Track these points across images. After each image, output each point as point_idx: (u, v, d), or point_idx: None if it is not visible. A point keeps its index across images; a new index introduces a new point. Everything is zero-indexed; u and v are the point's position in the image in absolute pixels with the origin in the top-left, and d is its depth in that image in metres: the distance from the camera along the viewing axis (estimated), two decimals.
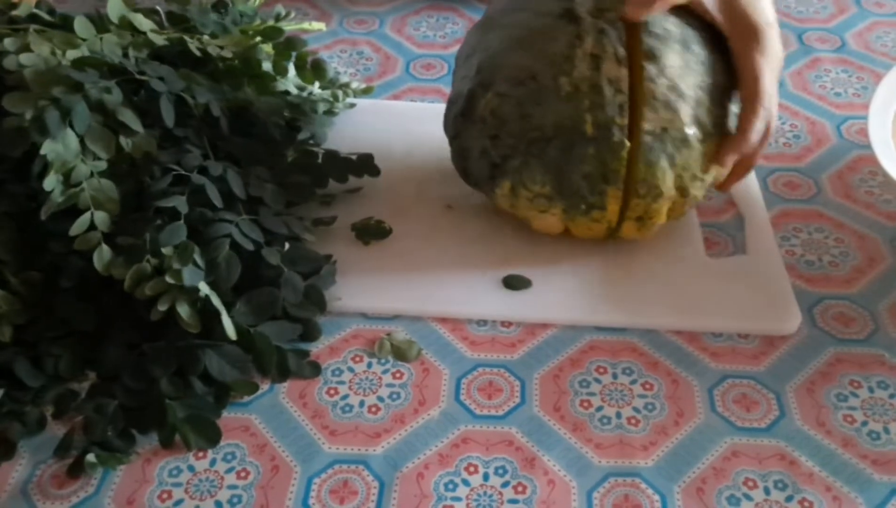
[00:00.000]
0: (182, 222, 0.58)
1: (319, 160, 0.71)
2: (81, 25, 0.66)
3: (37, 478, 0.54)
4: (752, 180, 0.75)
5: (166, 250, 0.56)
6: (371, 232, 0.69)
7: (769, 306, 0.64)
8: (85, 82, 0.59)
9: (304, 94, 0.77)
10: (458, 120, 0.65)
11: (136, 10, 0.70)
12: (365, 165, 0.72)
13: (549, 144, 0.61)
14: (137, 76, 0.63)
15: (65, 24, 0.68)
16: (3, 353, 0.57)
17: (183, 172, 0.61)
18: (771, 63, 0.62)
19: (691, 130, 0.61)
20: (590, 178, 0.61)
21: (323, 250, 0.66)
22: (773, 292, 0.65)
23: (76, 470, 0.54)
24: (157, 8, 0.74)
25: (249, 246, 0.60)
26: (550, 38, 0.61)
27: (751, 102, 0.62)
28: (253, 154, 0.67)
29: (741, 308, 0.64)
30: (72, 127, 0.57)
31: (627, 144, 0.60)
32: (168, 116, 0.63)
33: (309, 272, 0.63)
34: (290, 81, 0.76)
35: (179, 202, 0.59)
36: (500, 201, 0.65)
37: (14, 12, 0.68)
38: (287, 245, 0.63)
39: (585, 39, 0.60)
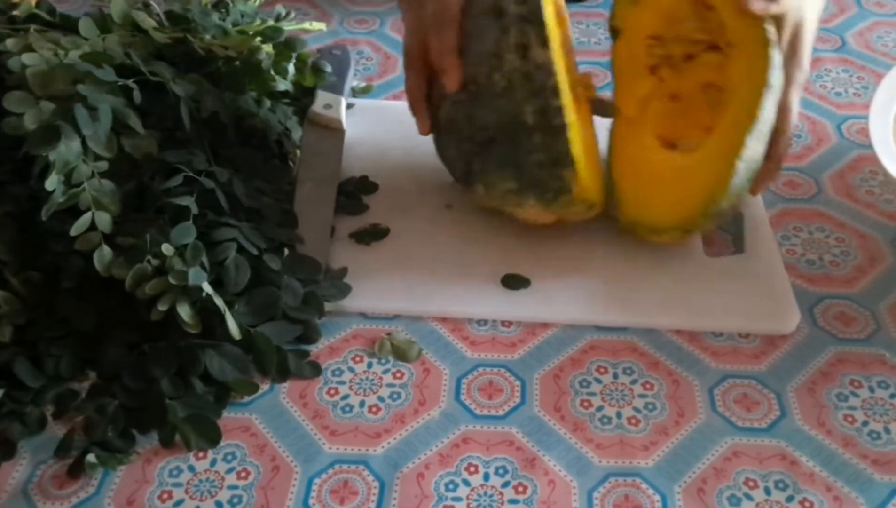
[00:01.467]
0: (191, 222, 0.58)
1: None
2: (86, 26, 0.65)
3: (37, 478, 0.54)
4: None
5: (167, 250, 0.56)
6: (369, 233, 0.69)
7: (769, 306, 0.64)
8: (106, 80, 0.59)
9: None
10: (434, 131, 0.67)
11: (135, 8, 0.69)
12: (363, 188, 0.73)
13: (496, 141, 0.61)
14: (150, 77, 0.63)
15: (65, 23, 0.68)
16: (3, 353, 0.57)
17: (191, 174, 0.61)
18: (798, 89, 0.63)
19: None
20: (543, 165, 0.61)
21: (321, 250, 0.66)
22: (772, 292, 0.65)
23: (76, 471, 0.54)
24: (152, 3, 0.73)
25: (254, 251, 0.60)
26: (480, 38, 0.61)
27: (783, 134, 0.62)
28: (252, 165, 0.67)
29: (741, 308, 0.64)
30: (76, 127, 0.57)
31: (567, 124, 0.59)
32: (187, 121, 0.63)
33: (307, 279, 0.63)
34: (290, 82, 0.76)
35: (190, 202, 0.59)
36: (483, 201, 0.66)
37: (14, 12, 0.68)
38: (286, 251, 0.63)
39: (510, 31, 0.60)
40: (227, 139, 0.67)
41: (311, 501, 0.53)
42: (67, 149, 0.56)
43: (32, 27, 0.65)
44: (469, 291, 0.65)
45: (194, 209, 0.59)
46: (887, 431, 0.57)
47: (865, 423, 0.57)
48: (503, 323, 0.64)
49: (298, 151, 0.74)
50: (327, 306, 0.63)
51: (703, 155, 0.63)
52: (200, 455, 0.55)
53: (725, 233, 0.70)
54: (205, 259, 0.57)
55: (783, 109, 0.62)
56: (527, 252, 0.68)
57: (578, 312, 0.64)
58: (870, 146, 0.66)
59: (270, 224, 0.64)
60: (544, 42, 0.59)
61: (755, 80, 0.60)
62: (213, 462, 0.55)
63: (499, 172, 0.62)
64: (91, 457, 0.53)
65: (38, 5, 0.69)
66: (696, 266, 0.67)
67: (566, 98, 0.60)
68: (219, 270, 0.58)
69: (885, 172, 0.65)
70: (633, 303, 0.64)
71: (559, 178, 0.61)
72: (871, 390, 0.59)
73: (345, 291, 0.64)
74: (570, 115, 0.60)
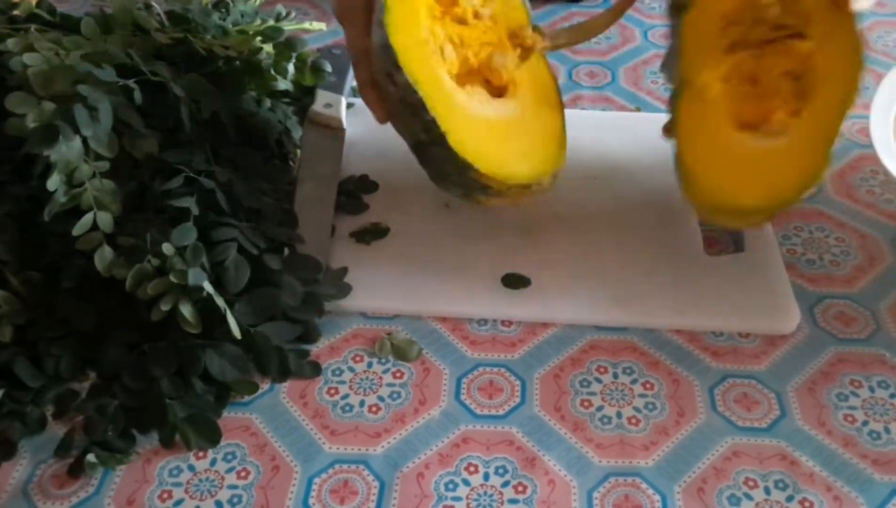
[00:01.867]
0: (191, 222, 0.58)
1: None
2: (87, 26, 0.65)
3: (37, 478, 0.53)
4: None
5: (168, 250, 0.56)
6: (369, 232, 0.69)
7: (768, 305, 0.64)
8: (106, 80, 0.59)
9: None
10: None
11: (137, 10, 0.69)
12: (363, 187, 0.72)
13: (422, 159, 0.63)
14: (151, 77, 0.63)
15: (65, 23, 0.68)
16: (3, 353, 0.57)
17: (191, 175, 0.61)
18: None
19: None
20: (457, 172, 0.61)
21: (321, 249, 0.66)
22: (772, 291, 0.64)
23: (76, 470, 0.53)
24: (154, 4, 0.73)
25: (254, 251, 0.60)
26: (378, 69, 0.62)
27: None
28: (252, 165, 0.66)
29: (740, 307, 0.63)
30: (76, 127, 0.57)
31: (444, 132, 0.59)
32: (186, 121, 0.63)
33: (308, 279, 0.62)
34: (290, 81, 0.76)
35: (191, 204, 0.59)
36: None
37: (15, 12, 0.68)
38: (286, 251, 0.63)
39: (380, 60, 0.60)
40: (228, 139, 0.67)
41: (310, 501, 0.52)
42: (68, 148, 0.56)
43: (33, 27, 0.65)
44: (469, 290, 0.65)
45: (195, 211, 0.59)
46: (887, 431, 0.56)
47: (865, 423, 0.57)
48: (503, 323, 0.63)
49: (298, 151, 0.74)
50: (327, 306, 0.63)
51: (797, 138, 0.61)
52: (200, 454, 0.55)
53: (726, 232, 0.70)
54: (205, 259, 0.57)
55: None
56: (527, 252, 0.67)
57: (578, 312, 0.63)
58: (871, 146, 0.66)
59: (270, 224, 0.63)
60: (396, 65, 0.59)
61: (851, 68, 0.60)
62: (213, 462, 0.54)
63: (441, 184, 0.64)
64: (91, 457, 0.53)
65: (38, 5, 0.69)
66: (696, 265, 0.67)
67: (439, 107, 0.59)
68: (219, 270, 0.58)
69: (885, 171, 0.64)
70: (633, 303, 0.64)
71: (471, 179, 0.61)
72: (872, 390, 0.59)
73: (345, 290, 0.64)
74: (446, 122, 0.59)
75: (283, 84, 0.75)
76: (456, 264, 0.67)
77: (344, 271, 0.65)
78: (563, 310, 0.63)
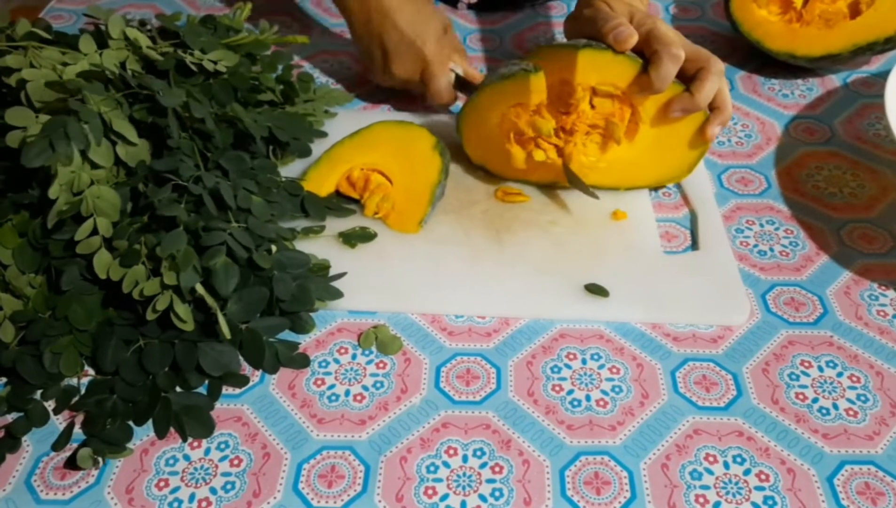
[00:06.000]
0: (181, 229, 0.56)
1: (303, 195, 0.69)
2: (84, 42, 0.64)
3: (39, 470, 0.52)
4: (704, 178, 0.75)
5: (162, 253, 0.55)
6: (356, 236, 0.67)
7: (721, 296, 0.63)
8: (93, 95, 0.57)
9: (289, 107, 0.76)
10: None
11: (130, 25, 0.68)
12: (340, 208, 0.71)
13: None
14: (139, 90, 0.61)
15: (60, 41, 0.66)
16: (7, 352, 0.55)
17: (181, 182, 0.60)
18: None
19: None
20: None
21: (310, 250, 0.65)
22: (724, 283, 0.64)
23: (76, 462, 0.52)
24: (147, 20, 0.72)
25: (244, 253, 0.58)
26: None
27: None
28: (241, 167, 0.65)
29: (695, 299, 0.63)
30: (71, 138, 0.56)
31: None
32: (174, 130, 0.61)
33: (299, 274, 0.61)
34: (277, 91, 0.75)
35: (180, 211, 0.57)
36: None
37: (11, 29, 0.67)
38: (275, 248, 0.62)
39: None
40: (220, 144, 0.66)
41: (300, 485, 0.51)
42: (67, 156, 0.55)
43: (31, 44, 0.63)
44: (445, 287, 0.64)
45: (184, 217, 0.57)
46: (835, 407, 0.56)
47: (815, 400, 0.57)
48: (478, 315, 0.63)
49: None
50: (316, 303, 0.61)
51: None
52: (195, 444, 0.54)
53: (682, 229, 0.70)
54: (196, 264, 0.56)
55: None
56: (497, 253, 0.67)
57: (547, 307, 0.63)
58: (811, 144, 0.66)
59: (262, 220, 0.62)
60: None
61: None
62: (208, 451, 0.53)
63: None
64: (89, 450, 0.52)
65: (34, 24, 0.67)
66: (654, 261, 0.66)
67: None
68: (210, 273, 0.57)
69: (828, 167, 0.64)
70: (597, 297, 0.63)
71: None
72: (821, 369, 0.59)
73: (336, 295, 0.62)
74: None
75: (270, 95, 0.74)
76: (433, 264, 0.66)
77: (341, 274, 0.64)
78: (533, 307, 0.63)
